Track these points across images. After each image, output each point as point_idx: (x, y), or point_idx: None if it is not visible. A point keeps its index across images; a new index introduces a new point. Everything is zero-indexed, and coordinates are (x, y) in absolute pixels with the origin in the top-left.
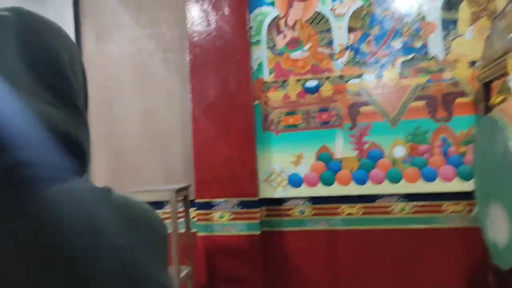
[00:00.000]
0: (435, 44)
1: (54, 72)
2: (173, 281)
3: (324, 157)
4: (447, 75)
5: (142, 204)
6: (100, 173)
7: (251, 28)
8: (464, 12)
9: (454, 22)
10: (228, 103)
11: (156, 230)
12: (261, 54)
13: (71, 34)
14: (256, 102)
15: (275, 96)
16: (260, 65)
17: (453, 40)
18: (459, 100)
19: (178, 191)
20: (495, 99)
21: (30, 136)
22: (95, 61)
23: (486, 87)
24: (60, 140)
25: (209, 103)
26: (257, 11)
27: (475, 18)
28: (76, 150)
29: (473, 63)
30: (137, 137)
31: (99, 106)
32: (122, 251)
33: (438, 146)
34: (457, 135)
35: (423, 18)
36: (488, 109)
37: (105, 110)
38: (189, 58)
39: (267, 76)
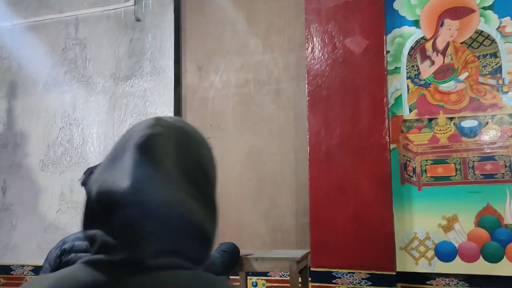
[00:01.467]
0: None
1: (198, 170)
2: None
3: (489, 222)
4: None
5: None
6: None
7: (387, 52)
8: None
9: None
10: (356, 146)
11: None
12: (400, 85)
13: (171, 64)
14: (393, 146)
15: (418, 139)
16: (398, 99)
17: None
18: None
19: (300, 260)
20: None
21: (177, 226)
22: (196, 94)
23: None
24: (195, 231)
25: (331, 145)
26: (395, 32)
27: None
28: (205, 240)
29: None
30: (239, 183)
31: None
32: None
33: None
34: None
35: None
36: None
37: None
38: (307, 89)
39: (407, 113)
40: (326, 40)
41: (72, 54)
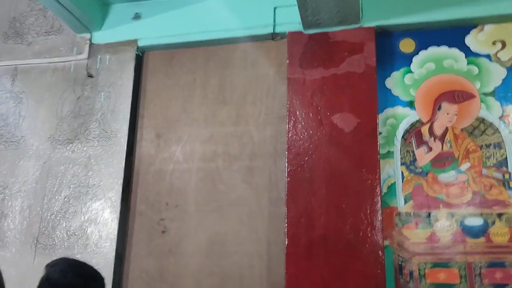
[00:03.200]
0: None
1: None
2: None
3: None
4: None
5: None
6: None
7: (380, 134)
8: None
9: None
10: (344, 241)
11: None
12: (393, 172)
13: (125, 129)
14: (386, 243)
15: (415, 236)
16: (391, 187)
17: None
18: None
19: None
20: None
21: None
22: (152, 167)
23: None
24: None
25: (314, 238)
26: (388, 112)
27: None
28: None
29: None
30: (196, 280)
31: (148, 228)
32: None
33: None
34: None
35: None
36: None
37: (155, 235)
38: (287, 169)
39: (402, 204)
40: (311, 115)
41: (3, 109)
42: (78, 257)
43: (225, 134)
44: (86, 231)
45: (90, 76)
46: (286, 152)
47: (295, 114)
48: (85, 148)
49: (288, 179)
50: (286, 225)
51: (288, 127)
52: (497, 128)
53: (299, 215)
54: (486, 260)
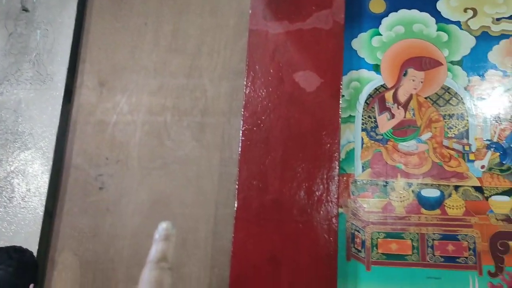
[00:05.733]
0: None
1: None
2: None
3: None
4: None
5: None
6: None
7: (342, 96)
8: None
9: None
10: (297, 207)
11: None
12: (353, 138)
13: (63, 72)
14: (340, 210)
15: (370, 205)
16: (350, 153)
17: None
18: None
19: None
20: None
21: None
22: (92, 117)
23: None
24: None
25: (266, 202)
26: (352, 74)
27: None
28: None
29: None
30: (135, 241)
31: (84, 184)
32: None
33: None
34: None
35: None
36: None
37: (91, 192)
38: (242, 128)
39: (359, 172)
40: (272, 71)
41: None
42: (1, 211)
43: (176, 87)
44: (12, 183)
45: (25, 10)
46: (242, 110)
47: (254, 69)
48: (15, 91)
49: (243, 138)
50: (237, 187)
51: (246, 83)
52: (462, 99)
53: (251, 178)
54: (440, 232)
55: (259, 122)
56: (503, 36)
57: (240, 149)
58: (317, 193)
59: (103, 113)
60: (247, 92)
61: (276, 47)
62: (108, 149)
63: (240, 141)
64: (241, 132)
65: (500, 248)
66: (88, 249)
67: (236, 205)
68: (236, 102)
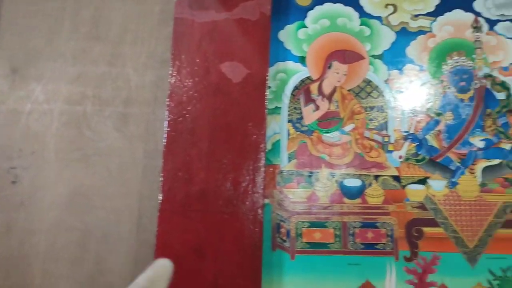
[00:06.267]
0: None
1: None
2: None
3: None
4: None
5: None
6: None
7: (269, 88)
8: None
9: None
10: (223, 198)
11: None
12: (279, 129)
13: None
14: (266, 201)
15: (295, 195)
16: (276, 145)
17: None
18: None
19: None
20: None
21: None
22: (3, 105)
23: None
24: None
25: (192, 194)
26: (279, 66)
27: None
28: None
29: None
30: (52, 235)
31: None
32: None
33: None
34: None
35: None
36: None
37: (4, 185)
38: (167, 119)
39: (285, 163)
40: (198, 61)
41: None
42: None
43: (97, 75)
44: None
45: None
46: (167, 100)
47: (180, 58)
48: None
49: (168, 129)
50: (161, 179)
51: (171, 72)
52: (382, 92)
53: (176, 169)
54: (360, 220)
55: (184, 112)
56: (420, 32)
57: (165, 140)
58: (243, 184)
59: (16, 102)
60: (172, 81)
61: (202, 36)
62: (22, 140)
63: (165, 132)
64: (166, 122)
65: (415, 234)
66: (1, 245)
67: (160, 197)
68: (161, 92)
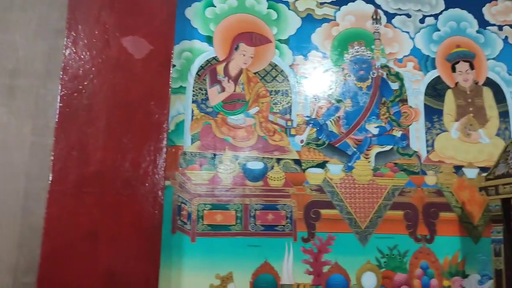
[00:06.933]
0: (417, 137)
1: None
2: None
3: (264, 282)
4: (430, 180)
5: None
6: None
7: (173, 67)
8: (449, 103)
9: (439, 113)
10: (121, 179)
11: None
12: (183, 109)
13: None
14: (167, 183)
15: (198, 177)
16: (180, 125)
17: (437, 135)
18: (443, 215)
19: None
20: None
21: None
22: None
23: (507, 203)
24: None
25: (87, 174)
26: (185, 44)
27: (461, 113)
28: None
29: (458, 168)
30: None
31: None
32: None
33: (417, 277)
34: (440, 263)
35: (405, 101)
36: (509, 232)
37: None
38: (60, 93)
39: (189, 144)
40: (96, 32)
41: None
42: None
43: None
44: None
45: None
46: (61, 73)
47: (76, 29)
48: None
49: (61, 105)
50: (52, 158)
51: (66, 43)
52: (287, 76)
53: (70, 148)
54: (262, 202)
55: (80, 87)
56: (325, 20)
57: (57, 116)
58: (143, 165)
59: None
60: (67, 53)
61: (102, 6)
62: None
63: (58, 107)
64: (59, 97)
65: (312, 216)
66: None
67: (50, 177)
68: (53, 64)
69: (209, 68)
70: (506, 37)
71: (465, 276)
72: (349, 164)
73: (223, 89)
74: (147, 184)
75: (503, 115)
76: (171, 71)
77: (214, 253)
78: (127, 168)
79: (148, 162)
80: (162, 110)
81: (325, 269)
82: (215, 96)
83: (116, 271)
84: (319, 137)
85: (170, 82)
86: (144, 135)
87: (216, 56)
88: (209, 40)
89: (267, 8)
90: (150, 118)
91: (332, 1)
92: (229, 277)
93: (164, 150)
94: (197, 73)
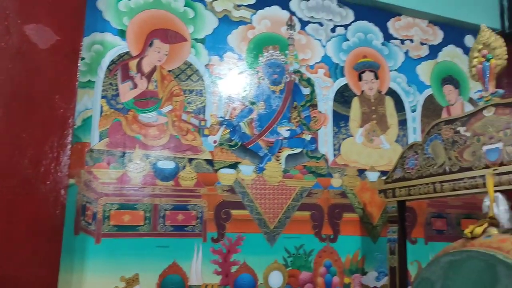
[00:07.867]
0: (326, 141)
1: None
2: None
3: (171, 283)
4: (336, 182)
5: None
6: None
7: (82, 59)
8: (355, 109)
9: (346, 118)
10: (19, 177)
11: None
12: (91, 105)
13: None
14: (71, 181)
15: (105, 176)
16: (87, 121)
17: (343, 140)
18: (346, 215)
19: None
20: (473, 228)
21: None
22: None
23: (402, 205)
24: None
25: None
26: (95, 36)
27: (365, 120)
28: None
29: (361, 171)
30: None
31: None
32: None
33: (321, 275)
34: (342, 261)
35: (315, 106)
36: (403, 232)
37: None
38: None
39: (96, 141)
40: None
41: None
42: None
43: None
44: None
45: None
46: None
47: None
48: None
49: None
50: None
51: None
52: (202, 76)
53: None
54: (172, 202)
55: None
56: (241, 22)
57: None
58: (44, 162)
59: None
60: None
61: None
62: None
63: None
64: None
65: (223, 216)
66: None
67: None
68: None
69: (121, 63)
70: (407, 51)
71: (364, 273)
72: (261, 166)
73: (135, 86)
74: (48, 183)
75: (402, 123)
76: (79, 64)
77: (120, 255)
78: (26, 165)
79: (50, 159)
80: (68, 105)
81: (234, 269)
82: (127, 93)
83: (8, 275)
84: (232, 138)
85: (77, 76)
86: (47, 131)
87: (129, 51)
88: (122, 34)
89: (184, 6)
90: (54, 112)
91: (249, 4)
92: (134, 279)
93: (69, 146)
94: (108, 68)
